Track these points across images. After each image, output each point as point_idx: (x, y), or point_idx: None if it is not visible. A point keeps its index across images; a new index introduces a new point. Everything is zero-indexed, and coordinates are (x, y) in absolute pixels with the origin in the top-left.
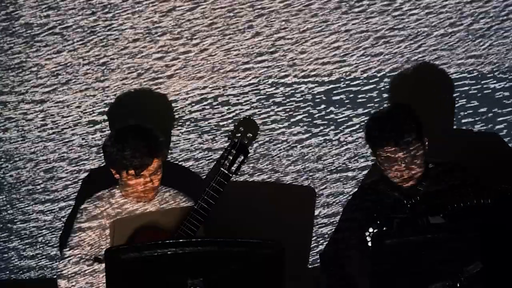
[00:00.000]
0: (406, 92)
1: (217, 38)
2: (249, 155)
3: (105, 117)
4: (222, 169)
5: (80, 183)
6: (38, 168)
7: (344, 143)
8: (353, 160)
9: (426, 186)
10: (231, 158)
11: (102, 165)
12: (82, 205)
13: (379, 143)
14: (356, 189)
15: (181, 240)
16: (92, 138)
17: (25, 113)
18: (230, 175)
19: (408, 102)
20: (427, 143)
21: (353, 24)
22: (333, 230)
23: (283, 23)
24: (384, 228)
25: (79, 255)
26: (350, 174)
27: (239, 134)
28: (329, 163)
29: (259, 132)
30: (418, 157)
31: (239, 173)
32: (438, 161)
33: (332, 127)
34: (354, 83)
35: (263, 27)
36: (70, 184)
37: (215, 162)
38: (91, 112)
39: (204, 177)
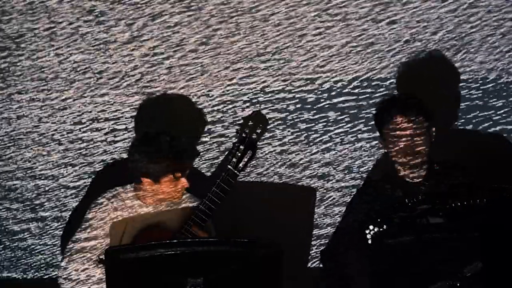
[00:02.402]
0: (410, 87)
1: (208, 43)
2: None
3: (86, 118)
4: (229, 166)
5: (88, 179)
6: (25, 170)
7: (337, 145)
8: (341, 162)
9: (429, 186)
10: (239, 154)
11: (112, 162)
12: (95, 201)
13: (387, 117)
14: (341, 189)
15: (180, 240)
16: (77, 141)
17: (13, 114)
18: (238, 173)
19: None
20: (434, 133)
21: (350, 28)
22: (334, 228)
23: (276, 27)
24: (385, 226)
25: (86, 253)
26: (338, 175)
27: (247, 130)
28: (320, 166)
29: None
30: (424, 137)
31: (246, 170)
32: (443, 161)
33: (322, 130)
34: (341, 86)
35: (255, 32)
36: (56, 186)
37: (211, 162)
38: (76, 116)
39: (210, 175)
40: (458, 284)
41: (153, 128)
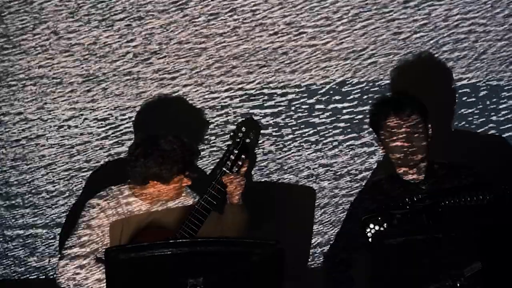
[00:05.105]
0: (406, 86)
1: (203, 44)
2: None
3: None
4: (224, 169)
5: (85, 179)
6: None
7: (333, 146)
8: (339, 163)
9: (430, 185)
10: (233, 157)
11: (107, 161)
12: (90, 200)
13: (382, 117)
14: (339, 190)
15: (180, 240)
16: (71, 140)
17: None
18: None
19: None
20: (430, 130)
21: (348, 30)
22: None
23: (271, 29)
24: (385, 225)
25: (82, 252)
26: (335, 176)
27: (241, 134)
28: (317, 167)
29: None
30: (420, 135)
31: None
32: (443, 161)
33: (313, 131)
34: (337, 88)
35: (251, 34)
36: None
37: (215, 161)
38: (70, 115)
39: (207, 174)
40: (458, 284)
41: (151, 130)
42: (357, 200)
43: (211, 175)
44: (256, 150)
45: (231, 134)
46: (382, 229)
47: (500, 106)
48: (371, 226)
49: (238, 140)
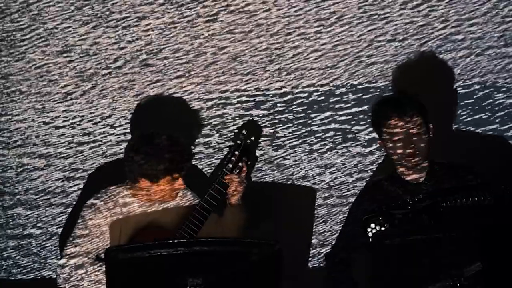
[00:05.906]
0: (406, 86)
1: (202, 45)
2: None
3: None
4: (225, 170)
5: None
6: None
7: (334, 147)
8: (340, 164)
9: (430, 185)
10: (234, 159)
11: (106, 162)
12: (88, 201)
13: (383, 118)
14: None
15: (180, 240)
16: (70, 142)
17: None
18: None
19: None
20: (431, 130)
21: (346, 33)
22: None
23: (272, 29)
24: (386, 225)
25: (81, 253)
26: (336, 177)
27: (243, 136)
28: (317, 167)
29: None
30: (421, 135)
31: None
32: (443, 162)
33: (310, 132)
34: (341, 91)
35: (250, 33)
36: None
37: (216, 161)
38: (68, 116)
39: (209, 176)
40: (458, 284)
41: (149, 129)
42: (358, 200)
43: (212, 177)
44: (258, 153)
45: (233, 136)
46: (383, 229)
47: (498, 107)
48: (372, 226)
49: (240, 142)
